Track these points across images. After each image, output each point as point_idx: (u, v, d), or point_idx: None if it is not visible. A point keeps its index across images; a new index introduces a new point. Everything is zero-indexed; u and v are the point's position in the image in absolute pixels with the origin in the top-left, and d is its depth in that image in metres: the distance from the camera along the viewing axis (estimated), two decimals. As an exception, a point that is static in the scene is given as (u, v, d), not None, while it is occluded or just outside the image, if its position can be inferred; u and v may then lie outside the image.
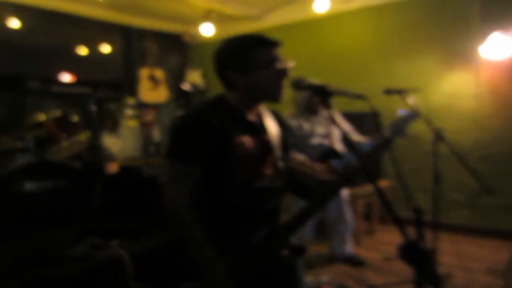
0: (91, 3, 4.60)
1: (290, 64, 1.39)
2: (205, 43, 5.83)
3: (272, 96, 1.39)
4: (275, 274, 1.38)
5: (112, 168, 3.69)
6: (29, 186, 2.54)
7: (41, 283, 2.21)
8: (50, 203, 2.62)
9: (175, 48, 5.85)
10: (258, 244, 1.37)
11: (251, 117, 1.44)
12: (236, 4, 4.75)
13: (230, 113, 1.38)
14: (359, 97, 1.39)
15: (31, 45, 4.42)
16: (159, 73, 5.25)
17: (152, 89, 5.10)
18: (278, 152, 1.49)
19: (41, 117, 2.94)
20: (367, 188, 3.42)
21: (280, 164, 1.50)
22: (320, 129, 3.04)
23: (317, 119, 3.09)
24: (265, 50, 1.35)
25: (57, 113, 3.00)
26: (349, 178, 1.54)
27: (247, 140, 1.38)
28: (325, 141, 3.01)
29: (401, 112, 2.21)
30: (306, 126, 3.02)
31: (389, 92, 2.55)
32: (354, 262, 3.11)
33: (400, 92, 2.54)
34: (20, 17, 4.37)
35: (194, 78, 5.63)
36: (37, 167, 2.62)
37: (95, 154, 3.54)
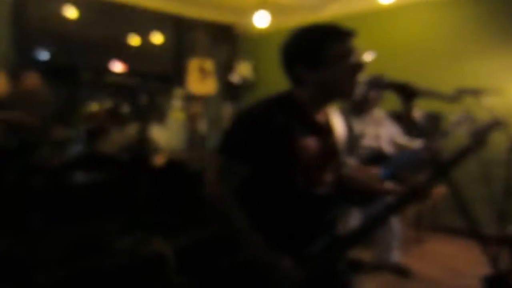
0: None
1: (368, 56, 1.20)
2: (257, 35, 5.68)
3: (344, 93, 1.23)
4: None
5: (159, 161, 3.68)
6: (80, 177, 2.56)
7: (88, 274, 2.22)
8: (98, 194, 2.63)
9: (226, 39, 5.76)
10: (315, 255, 1.25)
11: (319, 117, 1.30)
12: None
13: (296, 112, 1.24)
14: (451, 99, 1.18)
15: (85, 36, 4.52)
16: (209, 65, 5.19)
17: (200, 81, 5.05)
18: (342, 157, 1.37)
19: (94, 107, 2.96)
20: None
21: (343, 170, 1.37)
22: (369, 130, 2.82)
23: (367, 119, 2.86)
24: (340, 42, 1.18)
25: (108, 104, 3.02)
26: (418, 193, 1.35)
27: (311, 143, 1.25)
28: (374, 143, 2.79)
29: (485, 119, 1.94)
30: (357, 126, 2.80)
31: (462, 92, 2.24)
32: (400, 272, 2.90)
33: (476, 93, 2.23)
34: (77, 8, 4.46)
35: (243, 71, 5.51)
36: (88, 159, 2.64)
37: (143, 147, 3.54)
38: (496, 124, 1.95)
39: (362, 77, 1.23)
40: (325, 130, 1.31)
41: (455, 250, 3.33)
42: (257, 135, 1.18)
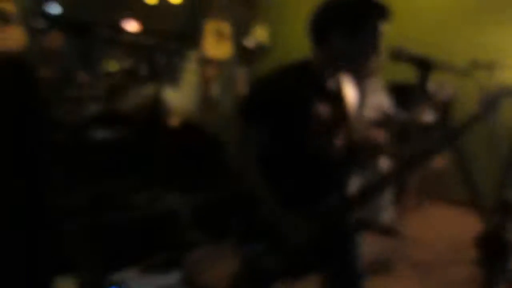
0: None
1: (388, 29, 1.25)
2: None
3: (361, 64, 1.30)
4: (335, 242, 1.40)
5: (174, 122, 3.75)
6: (100, 134, 2.65)
7: (107, 227, 2.36)
8: (117, 151, 2.73)
9: (244, 1, 5.65)
10: (324, 211, 1.35)
11: (332, 84, 1.38)
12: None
13: (311, 79, 1.32)
14: (468, 71, 1.23)
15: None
16: (225, 27, 5.12)
17: (216, 44, 5.01)
18: (354, 123, 1.45)
19: (113, 66, 3.01)
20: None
21: (355, 135, 1.46)
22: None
23: (362, 86, 2.86)
24: (376, 21, 1.24)
25: (127, 63, 3.06)
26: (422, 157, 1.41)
27: (324, 109, 1.33)
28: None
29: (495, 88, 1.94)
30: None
31: (475, 65, 2.22)
32: (387, 232, 2.96)
33: (490, 66, 2.21)
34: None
35: (259, 35, 5.44)
36: (107, 117, 2.72)
37: (159, 108, 3.60)
38: (507, 92, 1.97)
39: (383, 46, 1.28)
40: (337, 97, 1.39)
41: (456, 218, 3.41)
42: (274, 101, 1.26)
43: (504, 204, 1.10)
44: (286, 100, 1.26)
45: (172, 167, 3.07)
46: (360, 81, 2.79)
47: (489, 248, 1.00)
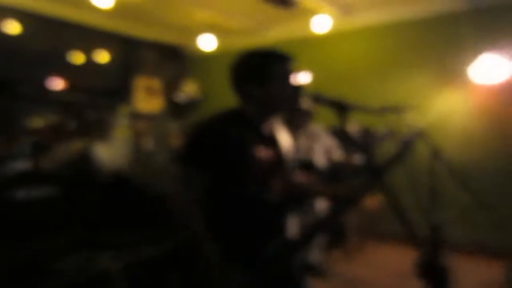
0: (93, 10, 4.56)
1: (306, 78, 1.41)
2: (203, 55, 5.82)
3: (289, 107, 1.44)
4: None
5: (104, 177, 3.61)
6: (22, 194, 2.45)
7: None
8: (41, 211, 2.53)
9: (173, 58, 5.83)
10: (269, 256, 1.36)
11: (266, 129, 1.45)
12: (236, 17, 4.78)
13: (246, 125, 1.39)
14: (379, 112, 1.41)
15: (26, 51, 4.33)
16: (156, 83, 5.21)
17: (147, 98, 5.05)
18: (289, 166, 1.50)
19: (38, 122, 2.86)
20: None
21: (291, 177, 1.51)
22: (303, 143, 3.04)
23: (299, 133, 3.07)
24: (282, 63, 1.38)
25: (53, 119, 2.94)
26: (355, 199, 1.52)
27: (262, 152, 1.38)
28: (307, 156, 3.00)
29: (408, 131, 2.23)
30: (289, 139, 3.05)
31: (384, 110, 2.55)
32: (318, 272, 2.96)
33: (397, 110, 2.55)
34: (20, 21, 4.30)
35: (190, 90, 5.59)
36: (31, 175, 2.54)
37: (88, 163, 3.46)
38: (419, 134, 2.28)
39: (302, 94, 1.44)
40: (272, 141, 1.45)
41: (396, 255, 3.58)
42: (214, 146, 1.30)
43: (433, 228, 1.20)
44: (226, 143, 1.30)
45: (103, 224, 2.90)
46: (298, 127, 3.01)
47: (428, 274, 1.09)
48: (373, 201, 3.69)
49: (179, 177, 1.34)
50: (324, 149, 3.10)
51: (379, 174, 1.37)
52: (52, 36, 4.65)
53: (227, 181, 1.33)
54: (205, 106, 5.57)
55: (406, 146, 2.08)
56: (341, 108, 1.31)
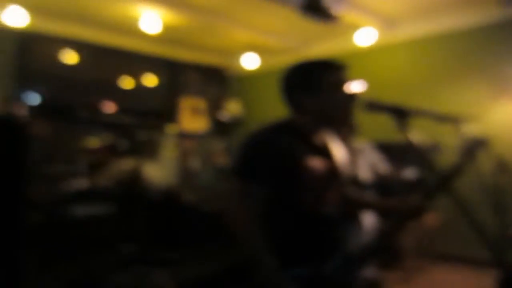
0: (141, 37, 4.85)
1: (360, 87, 1.37)
2: (245, 75, 5.94)
3: (341, 119, 1.38)
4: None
5: (154, 195, 3.70)
6: (80, 211, 2.57)
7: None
8: (98, 228, 2.63)
9: (216, 79, 6.00)
10: (327, 274, 1.30)
11: (318, 140, 1.41)
12: (277, 36, 4.84)
13: (298, 136, 1.35)
14: (442, 118, 1.33)
15: (82, 78, 4.69)
16: (200, 103, 5.36)
17: (192, 118, 5.19)
18: (344, 178, 1.44)
19: (94, 143, 3.02)
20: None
21: (347, 190, 1.46)
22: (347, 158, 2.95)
23: (345, 147, 2.98)
24: (333, 73, 1.35)
25: (108, 139, 3.09)
26: (418, 211, 1.43)
27: (315, 163, 1.33)
28: (350, 171, 2.90)
29: (470, 137, 2.10)
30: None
31: (446, 117, 2.41)
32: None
33: (458, 119, 2.41)
34: (76, 51, 4.66)
35: (233, 109, 5.69)
36: (88, 192, 2.66)
37: (139, 181, 3.57)
38: (483, 141, 2.12)
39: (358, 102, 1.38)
40: (326, 153, 1.40)
41: (456, 276, 3.38)
42: (269, 158, 1.26)
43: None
44: (281, 155, 1.27)
45: (154, 241, 2.96)
46: (344, 139, 2.92)
47: None
48: (431, 219, 3.48)
49: (236, 190, 1.30)
50: (368, 164, 2.99)
51: (444, 186, 1.28)
52: (104, 64, 5.00)
53: (283, 193, 1.29)
54: (248, 124, 5.64)
55: (469, 154, 1.95)
56: (400, 113, 1.25)
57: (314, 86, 1.33)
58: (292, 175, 1.29)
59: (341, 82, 1.34)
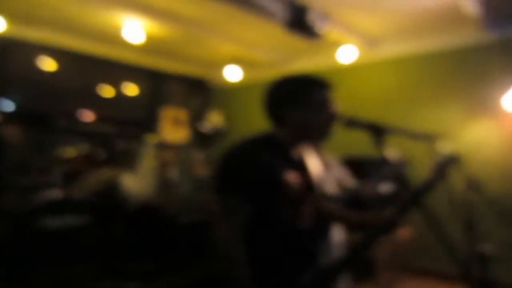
0: (123, 46, 4.80)
1: (340, 106, 1.41)
2: (228, 87, 5.96)
3: (321, 135, 1.40)
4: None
5: (131, 206, 3.63)
6: (53, 222, 2.48)
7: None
8: (72, 240, 2.55)
9: (198, 91, 6.00)
10: (303, 285, 1.30)
11: (296, 154, 1.43)
12: (261, 50, 4.89)
13: (277, 150, 1.37)
14: (416, 136, 1.37)
15: (60, 86, 4.60)
16: (182, 114, 5.33)
17: (173, 129, 5.15)
18: (320, 191, 1.47)
19: (70, 152, 2.95)
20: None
21: (321, 204, 1.46)
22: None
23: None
24: (321, 90, 1.38)
25: (85, 149, 3.02)
26: (392, 225, 1.45)
27: (293, 178, 1.35)
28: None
29: (443, 154, 2.16)
30: None
31: (421, 135, 2.48)
32: None
33: (432, 137, 2.48)
34: (55, 58, 4.57)
35: (215, 120, 5.69)
36: (62, 203, 2.58)
37: (116, 192, 3.50)
38: (454, 158, 2.19)
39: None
40: (302, 166, 1.43)
41: None
42: (250, 173, 1.26)
43: (480, 257, 1.14)
44: (261, 170, 1.27)
45: (131, 253, 2.89)
46: (317, 153, 2.94)
47: None
48: (404, 233, 3.53)
49: (220, 207, 1.30)
50: (335, 178, 3.01)
51: (416, 200, 1.31)
52: (84, 72, 4.92)
53: (263, 207, 1.29)
54: (229, 136, 5.63)
55: (441, 170, 2.00)
56: (377, 131, 1.29)
57: (301, 101, 1.35)
58: (272, 190, 1.30)
59: (327, 100, 1.38)
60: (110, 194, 3.12)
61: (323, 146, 3.04)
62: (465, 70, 4.00)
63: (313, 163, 1.51)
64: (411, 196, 1.32)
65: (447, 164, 2.08)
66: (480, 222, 3.01)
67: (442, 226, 1.12)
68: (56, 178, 2.75)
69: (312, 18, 3.23)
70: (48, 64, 4.58)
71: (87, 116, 4.70)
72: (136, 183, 4.14)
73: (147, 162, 4.67)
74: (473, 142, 3.87)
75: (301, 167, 1.43)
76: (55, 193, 2.69)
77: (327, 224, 1.58)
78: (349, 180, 2.93)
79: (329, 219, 1.63)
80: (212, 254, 1.25)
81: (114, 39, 4.29)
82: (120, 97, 5.29)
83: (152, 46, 4.74)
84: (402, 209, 1.40)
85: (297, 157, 1.43)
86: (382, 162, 1.34)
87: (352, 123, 1.34)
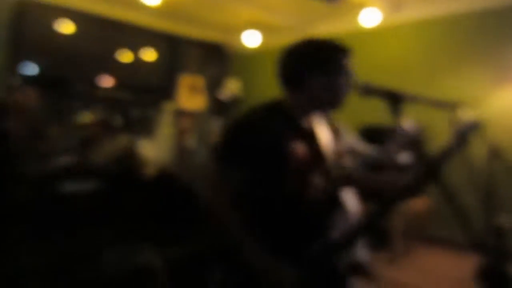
0: (141, 10, 4.70)
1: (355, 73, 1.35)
2: (246, 54, 5.82)
3: (336, 103, 1.34)
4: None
5: (148, 173, 3.67)
6: (68, 187, 2.53)
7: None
8: (87, 205, 2.60)
9: (216, 57, 5.90)
10: (311, 257, 1.27)
11: (306, 123, 1.37)
12: (281, 14, 4.70)
13: (287, 119, 1.32)
14: (435, 104, 1.27)
15: (79, 50, 4.59)
16: (199, 81, 5.26)
17: (191, 96, 5.11)
18: (330, 162, 1.41)
19: (86, 118, 2.97)
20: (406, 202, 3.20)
21: (333, 174, 1.41)
22: None
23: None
24: (343, 57, 1.32)
25: (101, 115, 3.03)
26: (414, 189, 1.39)
27: (300, 147, 1.30)
28: None
29: (463, 121, 2.04)
30: None
31: (440, 103, 2.35)
32: (365, 272, 2.85)
33: (453, 105, 2.33)
34: (73, 22, 4.54)
35: (233, 88, 5.60)
36: (77, 169, 2.62)
37: (132, 159, 3.53)
38: (475, 124, 2.06)
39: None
40: (312, 136, 1.37)
41: (445, 260, 3.38)
42: (252, 141, 1.22)
43: (497, 230, 1.09)
44: (264, 139, 1.23)
45: (147, 219, 2.94)
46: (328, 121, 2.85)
47: (492, 281, 0.96)
48: (420, 203, 3.45)
49: (216, 174, 1.27)
50: (347, 146, 2.92)
51: (434, 169, 1.24)
52: (102, 36, 4.88)
53: (265, 178, 1.26)
54: (247, 104, 5.55)
55: (461, 138, 1.89)
56: (395, 99, 1.20)
57: (325, 67, 1.28)
58: (277, 160, 1.25)
59: (348, 67, 1.31)
60: (127, 161, 3.15)
61: (334, 114, 2.95)
62: (490, 33, 3.72)
63: (324, 133, 1.45)
64: (430, 164, 1.25)
65: (468, 132, 1.96)
66: (500, 191, 2.90)
67: (458, 195, 1.05)
68: (72, 143, 2.79)
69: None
70: (66, 27, 4.54)
71: (106, 81, 4.71)
72: (153, 150, 4.18)
73: (164, 129, 4.69)
74: (498, 109, 3.65)
75: (310, 137, 1.37)
76: (70, 159, 2.73)
77: (339, 195, 1.53)
78: (362, 147, 2.85)
79: (344, 186, 1.57)
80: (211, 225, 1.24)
81: (131, 1, 4.19)
82: (138, 62, 5.28)
83: (170, 9, 4.63)
84: (419, 176, 1.34)
85: (308, 127, 1.37)
86: (398, 131, 1.27)
87: (368, 90, 1.25)
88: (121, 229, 2.69)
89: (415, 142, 1.67)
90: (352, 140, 2.92)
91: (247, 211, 1.26)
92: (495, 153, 2.37)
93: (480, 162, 2.17)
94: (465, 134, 1.96)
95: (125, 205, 2.76)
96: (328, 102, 1.33)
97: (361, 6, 4.03)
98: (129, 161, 3.22)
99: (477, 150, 2.30)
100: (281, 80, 1.36)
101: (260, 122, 1.26)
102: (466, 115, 2.23)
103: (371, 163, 2.33)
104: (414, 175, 1.30)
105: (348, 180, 1.55)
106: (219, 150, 1.28)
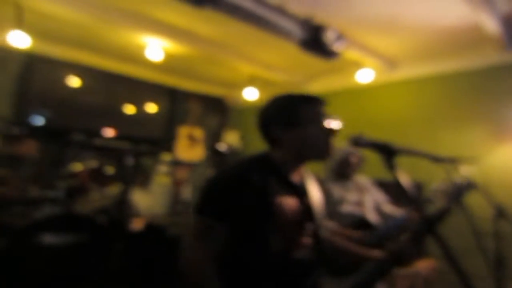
0: (144, 65, 4.87)
1: (338, 123, 1.30)
2: (245, 107, 5.92)
3: (319, 153, 1.29)
4: None
5: (137, 225, 3.53)
6: (49, 238, 2.40)
7: None
8: (69, 258, 2.45)
9: (216, 110, 6.01)
10: None
11: (295, 178, 1.31)
12: (280, 70, 4.84)
13: (273, 172, 1.26)
14: (431, 158, 1.22)
15: (84, 103, 4.75)
16: (198, 133, 5.30)
17: (189, 147, 5.10)
18: (319, 220, 1.34)
19: (77, 167, 2.91)
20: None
21: (321, 233, 1.34)
22: (351, 196, 2.72)
23: (348, 185, 2.80)
24: (311, 106, 1.29)
25: (92, 164, 2.98)
26: (400, 256, 1.34)
27: (288, 202, 1.23)
28: (357, 210, 2.69)
29: (457, 180, 1.98)
30: (336, 191, 2.70)
31: (438, 160, 2.27)
32: None
33: (452, 161, 2.26)
34: (80, 76, 4.72)
35: (231, 140, 5.62)
36: (61, 219, 2.49)
37: (122, 209, 3.41)
38: (469, 185, 1.98)
39: (341, 141, 1.30)
40: (300, 191, 1.32)
41: None
42: (234, 194, 1.16)
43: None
44: (247, 193, 1.16)
45: (128, 274, 2.76)
46: (341, 180, 2.78)
47: None
48: (425, 265, 3.25)
49: (195, 229, 1.19)
50: (374, 203, 2.81)
51: (431, 227, 1.17)
52: (107, 89, 5.03)
53: (247, 234, 1.17)
54: (245, 155, 5.53)
55: (456, 196, 1.80)
56: (387, 151, 1.14)
57: (292, 119, 1.26)
58: (263, 215, 1.17)
59: (320, 115, 1.28)
60: (115, 211, 3.03)
61: (357, 170, 2.89)
62: (486, 91, 3.75)
63: (314, 189, 1.39)
64: (424, 225, 1.17)
65: (461, 192, 1.88)
66: (509, 253, 2.71)
67: (457, 257, 0.97)
68: (59, 193, 2.70)
69: (329, 37, 3.15)
70: (73, 81, 4.71)
71: (108, 133, 4.77)
72: (147, 199, 4.06)
73: (160, 179, 4.62)
74: (498, 166, 3.57)
75: (300, 192, 1.30)
76: (56, 209, 2.63)
77: (326, 255, 1.43)
78: (387, 205, 2.75)
79: (331, 251, 1.49)
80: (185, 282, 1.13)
81: (136, 57, 4.36)
82: (140, 115, 5.37)
83: (171, 65, 4.79)
84: (414, 239, 1.27)
85: (297, 181, 1.31)
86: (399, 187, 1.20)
87: (361, 142, 1.20)
88: (101, 284, 2.51)
89: (414, 198, 1.59)
90: (379, 196, 2.83)
91: (227, 269, 1.18)
92: (501, 213, 2.27)
93: (486, 224, 2.05)
94: (458, 195, 1.88)
95: (106, 258, 2.60)
96: (309, 153, 1.28)
97: (357, 64, 4.14)
98: (117, 212, 3.10)
99: (482, 211, 2.18)
100: (262, 137, 1.34)
101: (245, 174, 1.20)
102: (465, 172, 2.16)
103: (382, 237, 2.24)
104: (399, 243, 1.25)
105: (334, 244, 1.49)
106: (198, 203, 1.20)
